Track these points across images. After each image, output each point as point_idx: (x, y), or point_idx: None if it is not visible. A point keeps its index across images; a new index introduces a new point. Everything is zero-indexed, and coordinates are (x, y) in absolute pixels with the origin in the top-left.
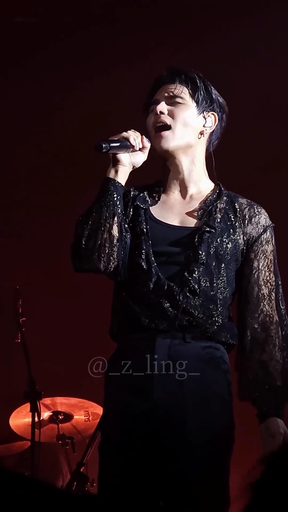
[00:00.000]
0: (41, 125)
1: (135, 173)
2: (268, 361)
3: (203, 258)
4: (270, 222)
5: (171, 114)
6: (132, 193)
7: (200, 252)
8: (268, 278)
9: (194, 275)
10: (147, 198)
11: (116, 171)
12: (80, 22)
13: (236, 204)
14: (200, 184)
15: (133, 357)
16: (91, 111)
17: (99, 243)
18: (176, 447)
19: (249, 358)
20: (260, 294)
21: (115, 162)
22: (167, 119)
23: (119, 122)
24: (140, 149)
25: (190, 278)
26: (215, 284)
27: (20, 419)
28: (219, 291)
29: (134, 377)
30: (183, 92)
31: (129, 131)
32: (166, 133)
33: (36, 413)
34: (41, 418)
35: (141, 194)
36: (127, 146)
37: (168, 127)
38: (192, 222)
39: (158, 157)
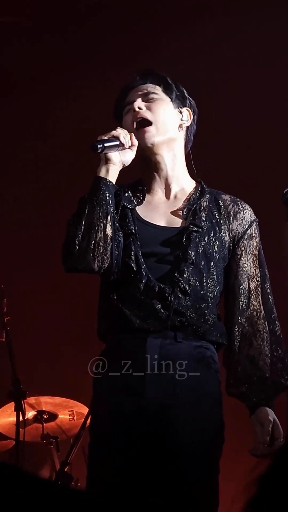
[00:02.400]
0: (30, 125)
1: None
2: (257, 355)
3: (193, 257)
4: (255, 217)
5: (149, 109)
6: (118, 197)
7: (190, 252)
8: (254, 273)
9: (184, 275)
10: (132, 198)
11: (107, 170)
12: (73, 23)
13: (220, 201)
14: (183, 182)
15: (124, 357)
16: (85, 112)
17: (93, 243)
18: (168, 446)
19: (237, 353)
20: (247, 289)
21: (106, 161)
22: (147, 114)
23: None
24: (129, 147)
25: (180, 278)
26: (204, 283)
27: (4, 418)
28: (209, 290)
29: (126, 376)
30: (156, 88)
31: (118, 129)
32: (149, 128)
33: (20, 413)
34: (26, 417)
35: (126, 194)
36: (118, 144)
37: (149, 122)
38: (178, 222)
39: (136, 156)
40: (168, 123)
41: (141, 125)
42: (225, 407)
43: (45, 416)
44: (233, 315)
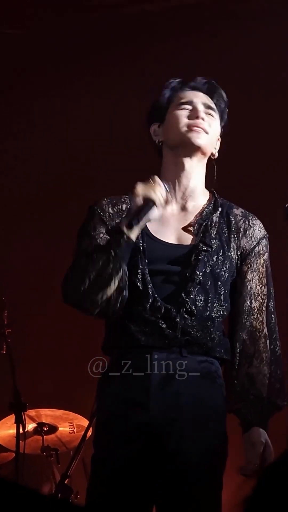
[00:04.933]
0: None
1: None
2: (255, 374)
3: (200, 278)
4: (265, 233)
5: (207, 122)
6: (124, 205)
7: (198, 272)
8: (259, 291)
9: (191, 296)
10: None
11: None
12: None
13: (231, 216)
14: (198, 196)
15: (129, 371)
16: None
17: (99, 296)
18: (172, 461)
19: (236, 370)
20: (251, 307)
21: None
22: (205, 125)
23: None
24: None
25: (187, 299)
26: (210, 304)
27: (4, 430)
28: (214, 309)
29: (131, 390)
30: (215, 107)
31: (157, 192)
32: (203, 133)
33: (21, 425)
34: (26, 429)
35: None
36: (151, 208)
37: (205, 131)
38: (188, 239)
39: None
40: (214, 143)
41: (197, 128)
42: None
43: (45, 429)
44: (235, 332)
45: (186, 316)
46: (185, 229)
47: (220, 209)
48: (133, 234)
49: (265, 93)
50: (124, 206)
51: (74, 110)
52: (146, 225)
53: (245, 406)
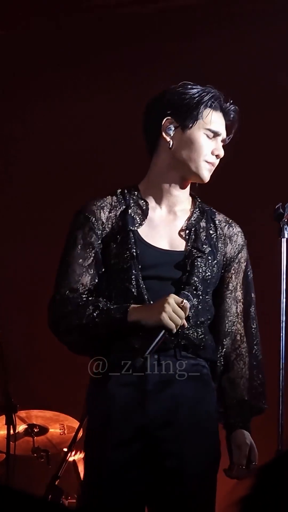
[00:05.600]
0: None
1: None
2: (237, 379)
3: (197, 283)
4: (245, 240)
5: (219, 156)
6: (114, 212)
7: (195, 278)
8: (240, 297)
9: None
10: (134, 216)
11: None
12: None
13: (216, 222)
14: (186, 201)
15: (124, 374)
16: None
17: (82, 345)
18: (169, 464)
19: (219, 374)
20: (233, 312)
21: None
22: (216, 161)
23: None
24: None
25: None
26: (201, 307)
27: None
28: (204, 314)
29: (128, 393)
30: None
31: (169, 319)
32: (212, 169)
33: (11, 426)
34: (17, 431)
35: (129, 212)
36: (164, 334)
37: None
38: (180, 245)
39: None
40: None
41: (211, 164)
42: None
43: (36, 430)
44: (218, 338)
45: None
46: (176, 234)
47: (205, 214)
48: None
49: (262, 94)
50: (114, 213)
51: (71, 111)
52: (138, 232)
53: (227, 409)
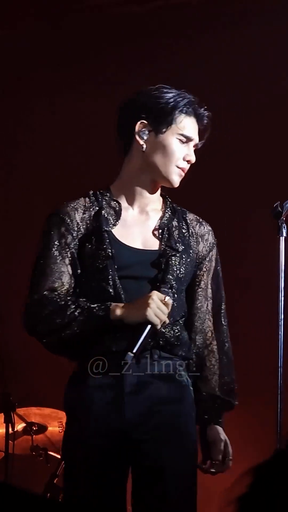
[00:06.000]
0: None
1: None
2: (209, 376)
3: (172, 282)
4: (215, 238)
5: (190, 162)
6: (88, 213)
7: (170, 277)
8: (211, 294)
9: None
10: (107, 216)
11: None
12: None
13: (188, 221)
14: (157, 201)
15: (102, 376)
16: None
17: (62, 345)
18: (149, 462)
19: (192, 371)
20: (205, 310)
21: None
22: (186, 166)
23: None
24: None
25: None
26: (176, 305)
27: None
28: (179, 312)
29: (104, 396)
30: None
31: (161, 316)
32: (183, 174)
33: (10, 425)
34: (15, 429)
35: (103, 213)
36: (150, 331)
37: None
38: (154, 244)
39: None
40: None
41: (181, 170)
42: None
43: (34, 428)
44: (190, 335)
45: None
46: (149, 234)
47: (176, 213)
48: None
49: (262, 94)
50: (88, 214)
51: (72, 111)
52: (112, 232)
53: (200, 406)
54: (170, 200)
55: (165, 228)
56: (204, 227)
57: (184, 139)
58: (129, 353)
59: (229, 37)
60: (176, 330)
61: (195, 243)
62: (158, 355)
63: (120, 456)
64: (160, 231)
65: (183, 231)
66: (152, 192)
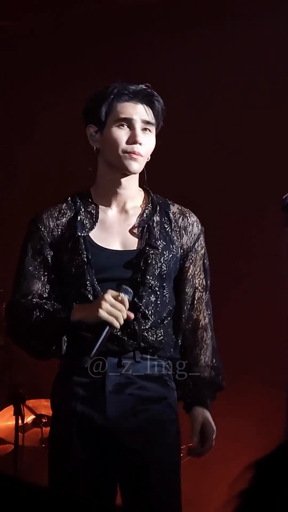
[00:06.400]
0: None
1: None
2: (194, 364)
3: (151, 282)
4: (202, 227)
5: (144, 143)
6: (63, 219)
7: (148, 277)
8: (197, 284)
9: (143, 300)
10: (85, 221)
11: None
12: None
13: (170, 214)
14: (136, 197)
15: (85, 376)
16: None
17: (39, 350)
18: (133, 459)
19: (180, 359)
20: (191, 299)
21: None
22: (142, 150)
23: None
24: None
25: (140, 303)
26: (159, 303)
27: (3, 422)
28: (165, 309)
29: (87, 395)
30: (153, 119)
31: (119, 320)
32: (140, 159)
33: (19, 417)
34: (25, 421)
35: (79, 218)
36: (108, 332)
37: (142, 155)
38: (133, 243)
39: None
40: (149, 155)
41: (133, 153)
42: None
43: (44, 420)
44: (178, 324)
45: (141, 320)
46: (128, 233)
47: (158, 208)
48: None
49: (256, 93)
50: (63, 220)
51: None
52: (89, 236)
53: (183, 391)
54: (153, 194)
55: (145, 226)
56: (188, 218)
57: (124, 123)
58: (87, 356)
59: (228, 36)
60: (159, 334)
61: (178, 237)
62: (141, 357)
63: (104, 453)
64: (139, 229)
65: (165, 226)
66: (124, 185)
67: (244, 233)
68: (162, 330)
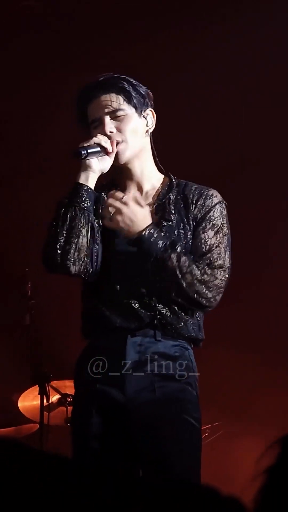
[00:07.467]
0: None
1: None
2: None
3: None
4: (219, 200)
5: (119, 129)
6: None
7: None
8: (207, 241)
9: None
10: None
11: (87, 177)
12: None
13: (186, 192)
14: (153, 180)
15: (105, 355)
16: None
17: (73, 249)
18: (149, 438)
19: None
20: (203, 251)
21: (86, 168)
22: (118, 136)
23: None
24: (108, 154)
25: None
26: None
27: (28, 401)
28: None
29: (106, 374)
30: (121, 103)
31: (99, 136)
32: (120, 148)
33: (44, 396)
34: (50, 401)
35: (101, 197)
36: (99, 151)
37: (120, 142)
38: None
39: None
40: (137, 136)
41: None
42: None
43: (69, 400)
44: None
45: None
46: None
47: (176, 189)
48: (89, 181)
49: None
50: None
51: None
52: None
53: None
54: (174, 179)
55: (160, 203)
56: (201, 193)
57: (96, 122)
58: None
59: (228, 36)
60: (175, 306)
61: (192, 210)
62: (161, 335)
63: (124, 430)
64: (155, 206)
65: (181, 202)
66: (130, 171)
67: (244, 233)
68: (182, 307)
